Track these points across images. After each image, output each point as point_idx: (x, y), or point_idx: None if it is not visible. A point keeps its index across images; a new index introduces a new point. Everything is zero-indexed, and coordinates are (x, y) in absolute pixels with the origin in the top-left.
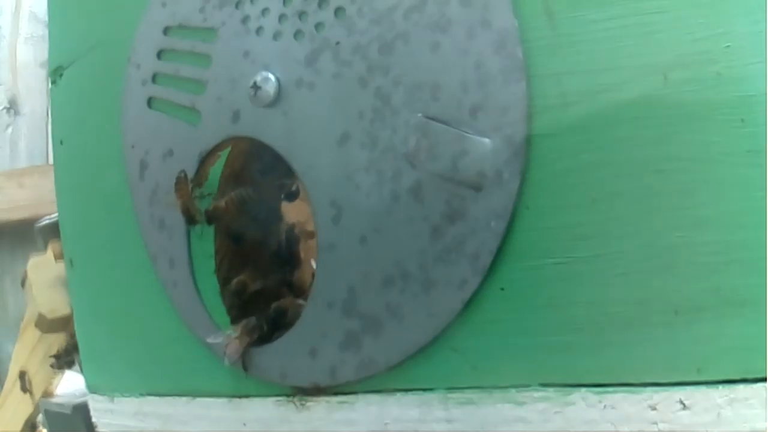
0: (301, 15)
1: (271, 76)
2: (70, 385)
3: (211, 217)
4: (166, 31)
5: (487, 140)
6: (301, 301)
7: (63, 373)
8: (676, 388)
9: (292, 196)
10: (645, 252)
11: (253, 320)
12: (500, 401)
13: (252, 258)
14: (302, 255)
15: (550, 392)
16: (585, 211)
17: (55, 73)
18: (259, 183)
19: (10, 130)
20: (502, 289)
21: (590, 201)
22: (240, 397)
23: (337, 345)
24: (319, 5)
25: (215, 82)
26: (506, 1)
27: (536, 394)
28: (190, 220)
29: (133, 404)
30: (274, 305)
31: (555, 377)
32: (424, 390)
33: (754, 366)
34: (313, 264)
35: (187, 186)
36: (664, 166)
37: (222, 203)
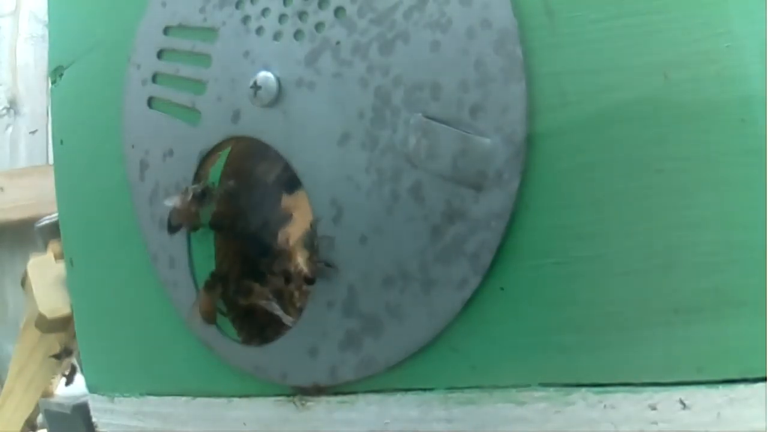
0: (301, 15)
1: (272, 76)
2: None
3: (213, 225)
4: (166, 30)
5: (487, 140)
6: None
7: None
8: (676, 388)
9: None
10: (645, 252)
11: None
12: (500, 401)
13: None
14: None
15: (551, 392)
16: (585, 211)
17: (55, 73)
18: (256, 178)
19: (10, 130)
20: (502, 289)
21: (590, 201)
22: (240, 397)
23: (337, 345)
24: (319, 5)
25: (215, 81)
26: (506, 1)
27: (536, 394)
28: (194, 229)
29: (133, 404)
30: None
31: (555, 377)
32: (424, 390)
33: (754, 366)
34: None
35: (190, 208)
36: (664, 166)
37: (215, 207)
